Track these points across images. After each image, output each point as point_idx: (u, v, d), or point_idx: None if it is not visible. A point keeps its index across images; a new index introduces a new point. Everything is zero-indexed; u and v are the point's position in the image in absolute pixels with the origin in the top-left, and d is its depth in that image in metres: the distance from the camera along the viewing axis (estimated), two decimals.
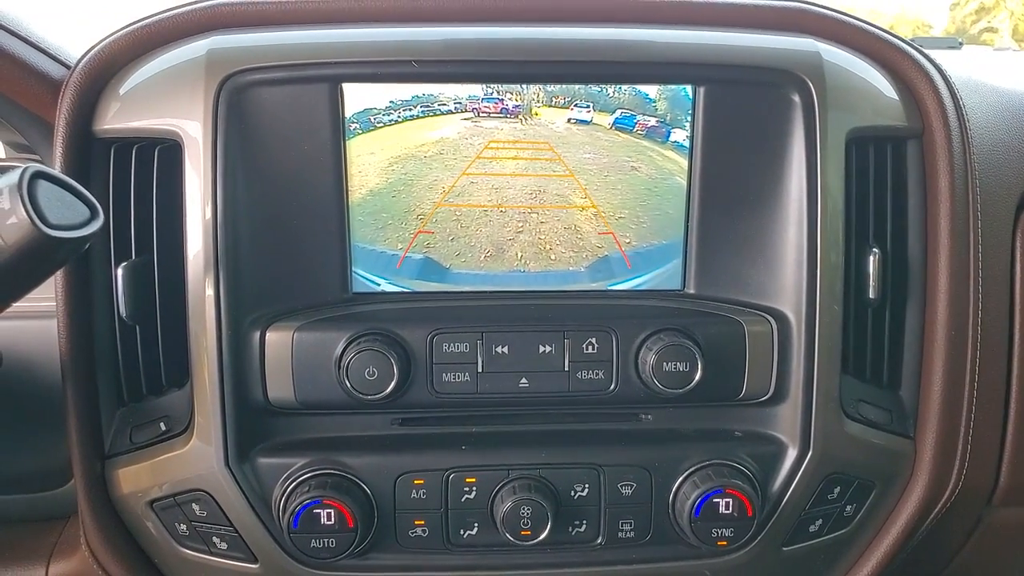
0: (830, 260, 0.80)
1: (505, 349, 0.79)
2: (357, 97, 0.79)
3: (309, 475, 0.78)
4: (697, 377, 0.78)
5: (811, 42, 0.82)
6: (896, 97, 0.85)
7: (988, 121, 0.89)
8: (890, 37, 0.87)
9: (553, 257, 0.84)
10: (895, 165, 0.86)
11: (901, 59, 0.86)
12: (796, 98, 0.79)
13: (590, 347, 0.80)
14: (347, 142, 0.79)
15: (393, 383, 0.76)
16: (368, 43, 0.79)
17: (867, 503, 0.87)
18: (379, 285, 0.83)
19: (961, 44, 1.43)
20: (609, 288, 0.85)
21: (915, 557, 0.92)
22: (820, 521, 0.85)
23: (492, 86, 0.80)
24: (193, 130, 0.76)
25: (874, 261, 0.83)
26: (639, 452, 0.81)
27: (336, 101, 0.78)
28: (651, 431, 0.84)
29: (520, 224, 0.83)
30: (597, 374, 0.80)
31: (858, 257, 0.83)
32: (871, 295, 0.83)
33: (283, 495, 0.78)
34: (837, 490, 0.84)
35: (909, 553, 0.91)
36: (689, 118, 0.82)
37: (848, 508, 0.86)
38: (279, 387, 0.78)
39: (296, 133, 0.78)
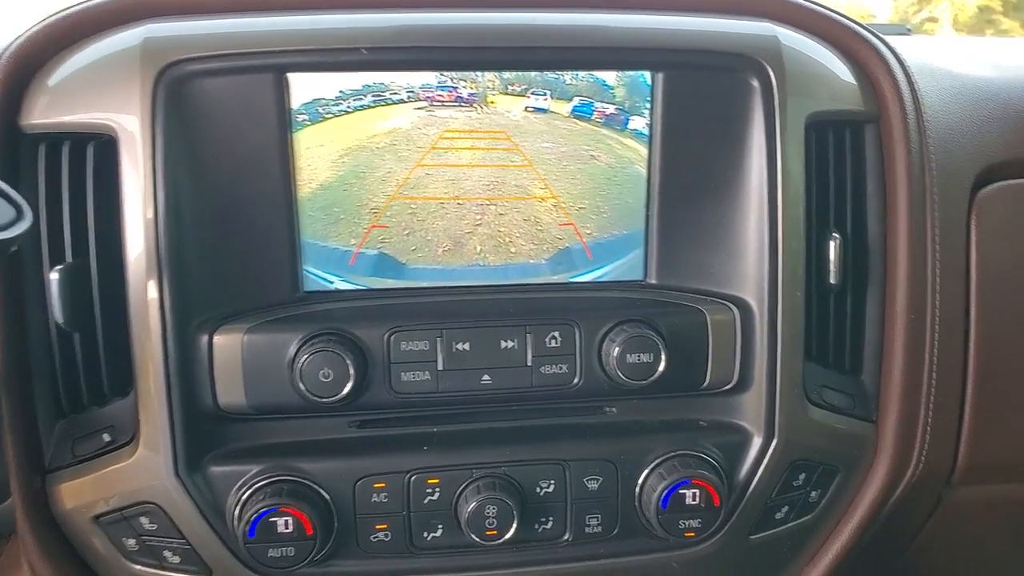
0: (791, 246, 0.79)
1: (466, 346, 0.77)
2: (304, 87, 0.75)
3: (264, 482, 0.75)
4: (661, 368, 0.77)
5: (769, 26, 0.81)
6: (853, 81, 0.85)
7: (942, 105, 0.89)
8: (846, 21, 0.86)
9: (513, 250, 0.82)
10: (854, 150, 0.85)
11: (857, 43, 0.86)
12: (755, 83, 0.78)
13: (553, 341, 0.78)
14: (294, 134, 0.76)
15: (350, 385, 0.73)
16: (314, 30, 0.75)
17: (832, 488, 0.87)
18: (332, 283, 0.80)
19: (909, 31, 1.44)
20: (571, 280, 0.83)
21: (877, 538, 0.93)
22: (786, 508, 0.85)
23: (446, 74, 0.77)
24: (130, 124, 0.72)
25: (835, 247, 0.83)
26: (604, 445, 0.80)
27: (281, 91, 0.75)
28: (616, 424, 0.82)
29: (478, 217, 0.81)
30: (561, 368, 0.78)
31: (819, 243, 0.83)
32: (832, 281, 0.83)
33: (237, 504, 0.74)
34: (803, 476, 0.84)
35: (872, 535, 0.91)
36: (648, 105, 0.80)
37: (813, 494, 0.86)
38: (230, 392, 0.75)
39: (240, 126, 0.75)
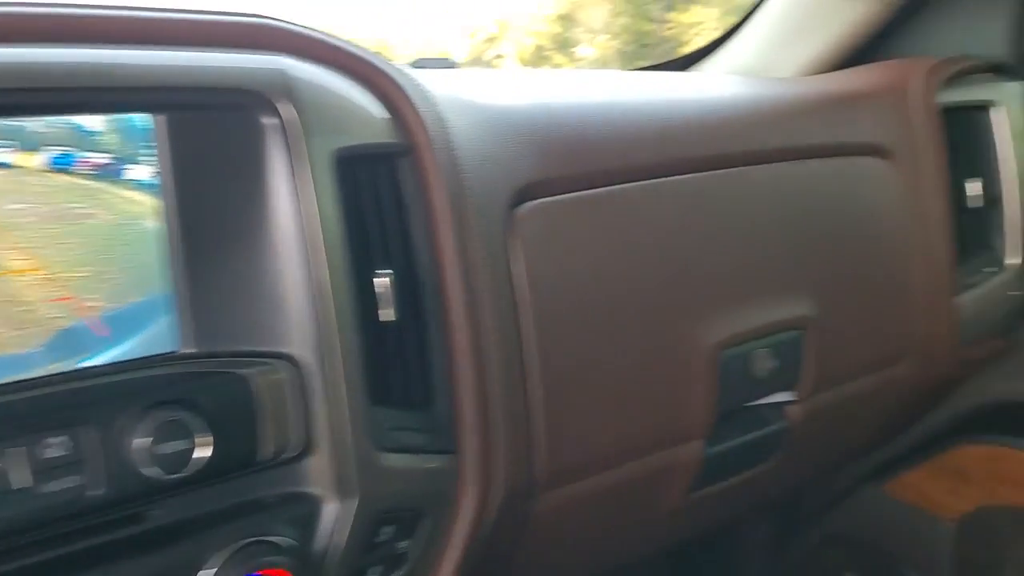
0: (337, 289, 0.74)
1: None
2: None
3: None
4: (207, 452, 0.66)
5: (277, 59, 0.75)
6: (382, 115, 0.83)
7: (475, 134, 0.92)
8: (364, 54, 0.85)
9: None
10: (391, 184, 0.84)
11: (379, 77, 0.85)
12: (269, 121, 0.72)
13: (56, 450, 0.62)
14: None
15: None
16: None
17: (421, 533, 0.83)
18: None
19: (455, 64, 1.51)
20: (80, 367, 0.68)
21: (480, 566, 0.93)
22: (380, 568, 0.80)
23: None
24: None
25: (387, 283, 0.80)
26: (151, 560, 0.66)
27: None
28: (162, 529, 0.69)
29: None
30: (73, 481, 0.63)
31: (370, 282, 0.79)
32: (388, 318, 0.80)
33: None
34: (390, 530, 0.79)
35: (473, 565, 0.90)
36: (150, 151, 0.69)
37: (402, 544, 0.81)
38: None
39: None
